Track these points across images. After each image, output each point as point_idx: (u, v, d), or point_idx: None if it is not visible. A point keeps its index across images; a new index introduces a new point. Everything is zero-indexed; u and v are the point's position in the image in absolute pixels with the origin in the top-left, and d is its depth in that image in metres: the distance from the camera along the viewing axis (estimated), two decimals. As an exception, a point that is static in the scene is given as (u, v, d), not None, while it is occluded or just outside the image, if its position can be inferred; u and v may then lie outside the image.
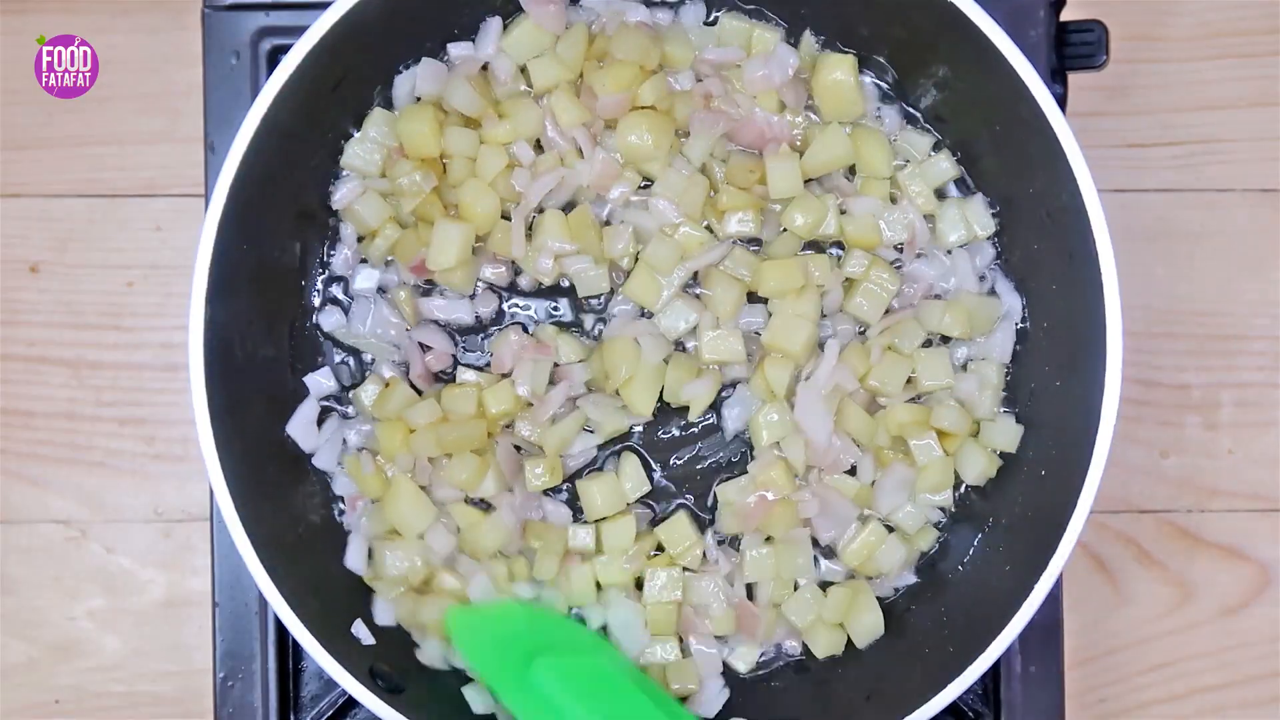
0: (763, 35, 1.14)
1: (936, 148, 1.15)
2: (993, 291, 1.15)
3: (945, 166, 1.15)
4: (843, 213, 1.14)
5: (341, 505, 1.14)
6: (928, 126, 1.15)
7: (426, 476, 1.11)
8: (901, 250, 1.14)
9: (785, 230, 1.14)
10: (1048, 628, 1.12)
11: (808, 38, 1.15)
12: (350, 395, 1.15)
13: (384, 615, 1.11)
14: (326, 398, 1.14)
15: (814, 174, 1.14)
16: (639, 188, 1.14)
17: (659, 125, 1.11)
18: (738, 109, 1.13)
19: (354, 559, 1.12)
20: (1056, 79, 1.12)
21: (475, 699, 1.10)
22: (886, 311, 1.14)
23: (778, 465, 1.12)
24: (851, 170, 1.16)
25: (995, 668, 1.10)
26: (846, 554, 1.13)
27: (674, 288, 1.13)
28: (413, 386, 1.13)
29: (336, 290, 1.15)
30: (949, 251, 1.15)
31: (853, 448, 1.13)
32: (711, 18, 1.16)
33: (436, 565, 1.11)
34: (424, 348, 1.14)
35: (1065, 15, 1.13)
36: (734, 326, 1.13)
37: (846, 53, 1.14)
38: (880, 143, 1.14)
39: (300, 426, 1.12)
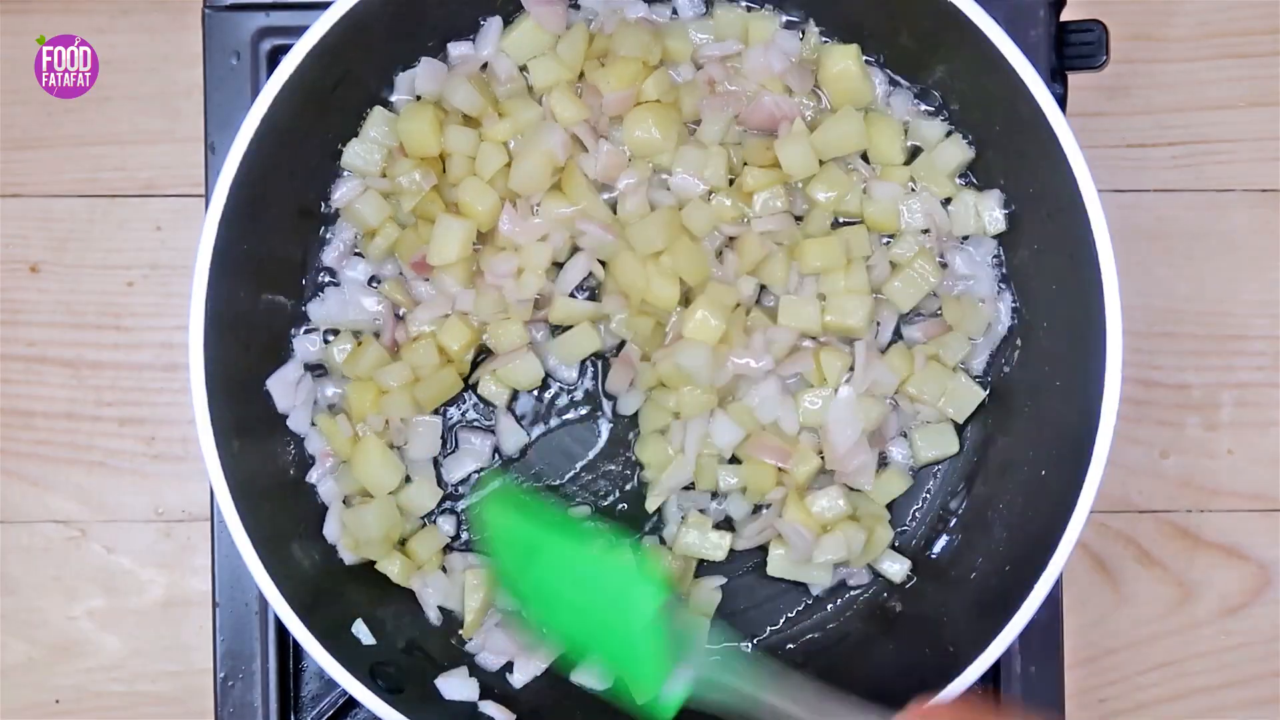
0: (759, 24, 1.14)
1: (949, 135, 1.14)
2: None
3: (954, 152, 1.13)
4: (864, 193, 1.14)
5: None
6: (939, 102, 1.14)
7: (401, 438, 1.12)
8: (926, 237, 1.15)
9: (811, 208, 1.14)
10: (1048, 628, 1.13)
11: (812, 27, 1.14)
12: (323, 352, 1.15)
13: (331, 530, 1.12)
14: (312, 366, 1.15)
15: (827, 153, 1.13)
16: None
17: (665, 118, 1.11)
18: (744, 91, 1.13)
19: (331, 530, 1.12)
20: (1056, 79, 1.12)
21: (451, 688, 1.10)
22: (918, 312, 1.14)
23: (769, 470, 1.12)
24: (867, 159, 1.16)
25: (995, 668, 1.10)
26: None
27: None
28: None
29: (328, 282, 1.16)
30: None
31: (871, 468, 1.13)
32: (706, 10, 1.15)
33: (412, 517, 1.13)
34: (398, 318, 1.14)
35: (1065, 15, 1.13)
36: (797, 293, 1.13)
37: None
38: (891, 128, 1.13)
39: (279, 384, 1.12)
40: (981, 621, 1.04)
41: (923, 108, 1.15)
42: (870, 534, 1.12)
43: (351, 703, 1.13)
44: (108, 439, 1.29)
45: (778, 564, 1.15)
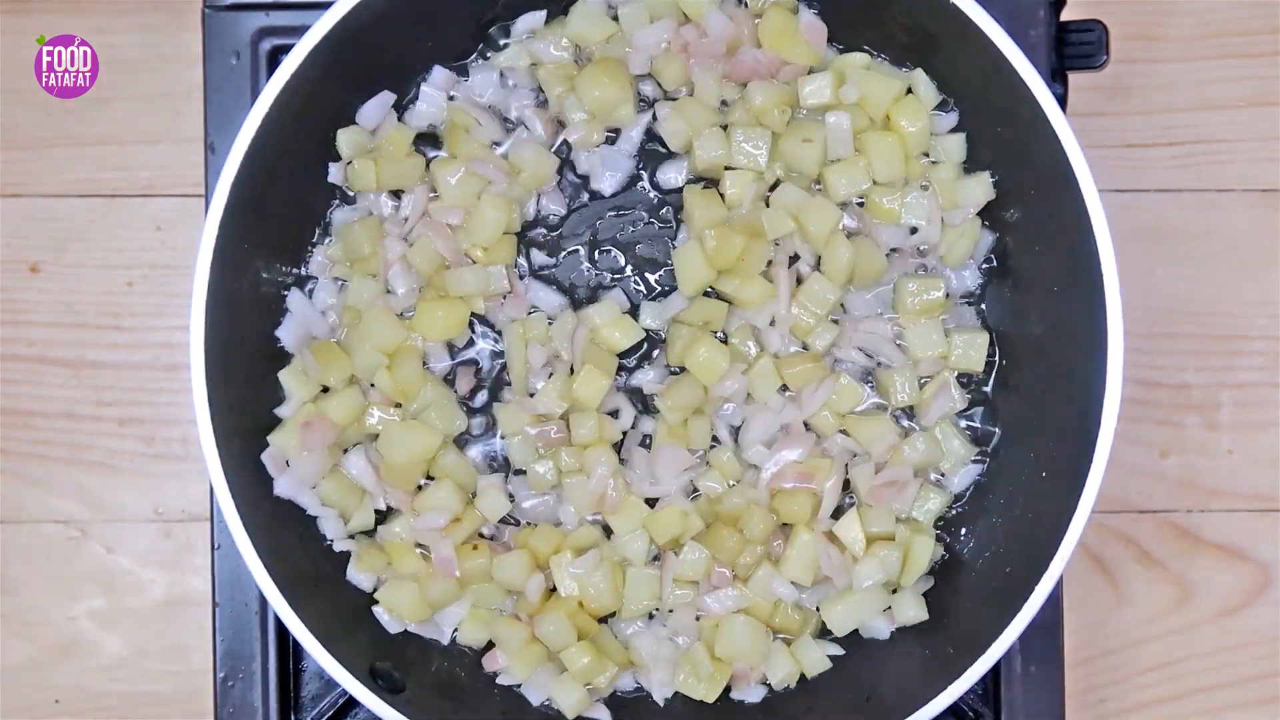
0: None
1: (970, 161, 1.13)
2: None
3: (975, 188, 1.13)
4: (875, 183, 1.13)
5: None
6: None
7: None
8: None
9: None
10: (1048, 628, 1.13)
11: None
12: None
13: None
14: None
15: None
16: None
17: (612, 71, 1.11)
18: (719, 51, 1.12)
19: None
20: (1056, 79, 1.12)
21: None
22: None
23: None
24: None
25: (995, 668, 1.10)
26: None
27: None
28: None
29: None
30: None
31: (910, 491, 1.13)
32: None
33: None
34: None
35: (1065, 15, 1.13)
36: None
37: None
38: (916, 105, 1.12)
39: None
40: (982, 622, 1.04)
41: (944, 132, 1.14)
42: (908, 550, 1.11)
43: (351, 703, 1.14)
44: (108, 439, 1.29)
45: (837, 618, 1.12)
